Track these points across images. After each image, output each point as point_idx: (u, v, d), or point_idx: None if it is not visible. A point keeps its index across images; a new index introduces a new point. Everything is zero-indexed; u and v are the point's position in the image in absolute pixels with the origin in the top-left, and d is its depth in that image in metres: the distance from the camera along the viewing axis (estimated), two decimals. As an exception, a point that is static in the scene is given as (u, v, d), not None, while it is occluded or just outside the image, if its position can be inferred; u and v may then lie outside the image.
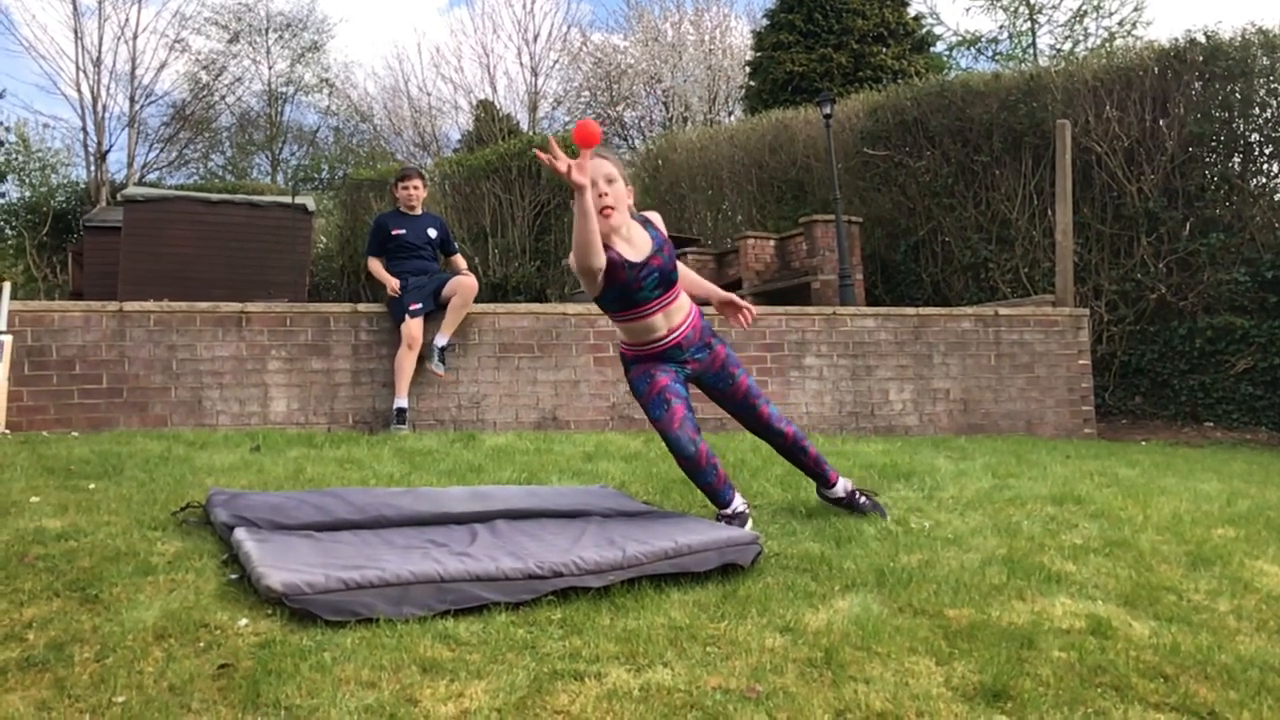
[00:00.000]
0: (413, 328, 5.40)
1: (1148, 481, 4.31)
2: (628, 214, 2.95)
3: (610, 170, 2.89)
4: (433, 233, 5.84)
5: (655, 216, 3.08)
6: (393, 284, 5.55)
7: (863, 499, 3.30)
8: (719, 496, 3.03)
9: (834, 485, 3.27)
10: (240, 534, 2.53)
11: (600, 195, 2.84)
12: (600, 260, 2.76)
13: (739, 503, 3.05)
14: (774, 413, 3.20)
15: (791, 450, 3.24)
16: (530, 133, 20.91)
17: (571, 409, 5.77)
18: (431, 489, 3.38)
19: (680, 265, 3.24)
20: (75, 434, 4.80)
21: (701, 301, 3.23)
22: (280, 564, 2.26)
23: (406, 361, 5.39)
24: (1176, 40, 8.94)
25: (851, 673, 2.00)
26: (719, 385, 3.16)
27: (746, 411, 3.19)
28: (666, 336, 3.02)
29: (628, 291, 2.92)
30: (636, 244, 2.94)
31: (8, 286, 5.09)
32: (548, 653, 2.02)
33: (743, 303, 3.28)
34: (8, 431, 4.76)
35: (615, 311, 3.00)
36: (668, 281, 2.98)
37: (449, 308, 5.52)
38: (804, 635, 2.18)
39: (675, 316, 3.03)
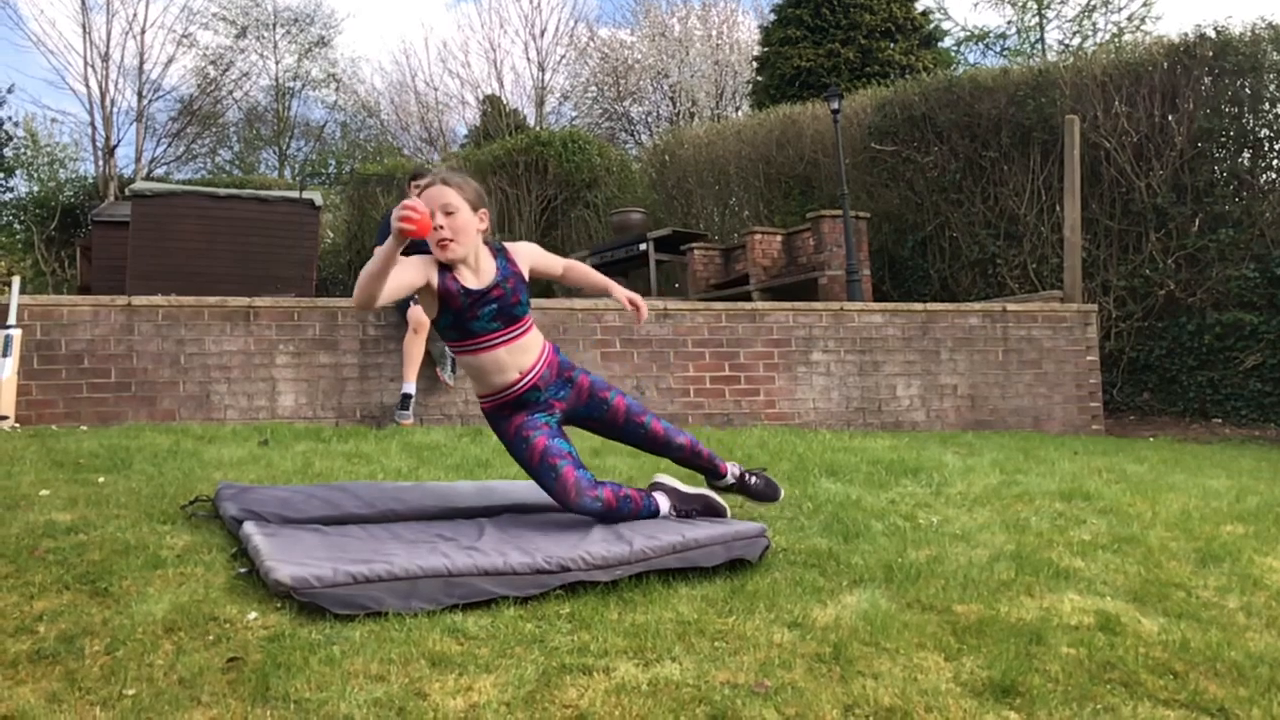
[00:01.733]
0: (419, 312, 5.39)
1: (1156, 478, 4.30)
2: (476, 242, 2.78)
3: (450, 200, 2.73)
4: None
5: (520, 249, 2.92)
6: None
7: (754, 479, 3.14)
8: (649, 512, 2.85)
9: (724, 475, 3.11)
10: (249, 528, 2.53)
11: (437, 228, 2.70)
12: (366, 303, 2.61)
13: (664, 504, 2.89)
14: (667, 426, 3.01)
15: (689, 459, 3.07)
16: (537, 128, 20.89)
17: (578, 404, 5.77)
18: (439, 484, 3.38)
19: (578, 264, 3.12)
20: (84, 428, 4.82)
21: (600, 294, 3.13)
22: (289, 558, 2.26)
23: (414, 347, 5.37)
24: (1186, 35, 8.91)
25: (860, 668, 2.00)
26: (595, 414, 2.95)
27: (634, 432, 2.97)
28: (519, 380, 2.84)
29: (461, 320, 2.77)
30: (481, 273, 2.79)
31: (17, 281, 5.12)
32: (556, 647, 2.02)
33: (638, 303, 3.11)
34: (17, 425, 4.78)
35: (454, 341, 2.84)
36: (509, 316, 2.81)
37: None
38: (812, 630, 2.18)
39: (523, 356, 2.84)
